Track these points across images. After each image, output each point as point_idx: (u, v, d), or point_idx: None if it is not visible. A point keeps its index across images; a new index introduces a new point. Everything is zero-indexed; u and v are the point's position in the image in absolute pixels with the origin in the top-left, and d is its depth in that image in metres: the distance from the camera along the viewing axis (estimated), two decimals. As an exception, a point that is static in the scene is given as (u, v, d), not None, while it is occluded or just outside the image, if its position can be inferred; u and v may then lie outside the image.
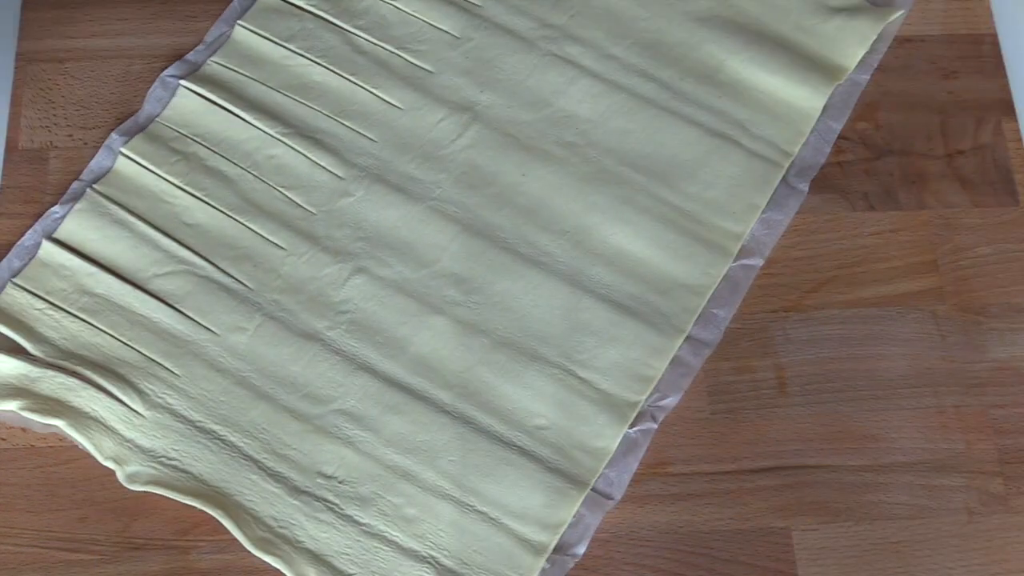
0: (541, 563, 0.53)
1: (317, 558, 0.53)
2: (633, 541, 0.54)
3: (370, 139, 0.61)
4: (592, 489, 0.54)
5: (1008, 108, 0.63)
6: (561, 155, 0.61)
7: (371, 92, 0.62)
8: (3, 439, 0.55)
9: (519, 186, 0.60)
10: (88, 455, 0.55)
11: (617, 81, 0.63)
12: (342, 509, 0.53)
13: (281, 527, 0.53)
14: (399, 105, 0.61)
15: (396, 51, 0.63)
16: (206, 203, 0.59)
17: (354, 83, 0.62)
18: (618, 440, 0.55)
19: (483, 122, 0.61)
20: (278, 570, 0.52)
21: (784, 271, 0.59)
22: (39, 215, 0.59)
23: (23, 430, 0.55)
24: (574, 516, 0.54)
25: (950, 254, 0.60)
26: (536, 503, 0.54)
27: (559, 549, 0.53)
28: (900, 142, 0.62)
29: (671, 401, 0.56)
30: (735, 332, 0.58)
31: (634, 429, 0.55)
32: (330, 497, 0.54)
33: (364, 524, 0.53)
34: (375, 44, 0.63)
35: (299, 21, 0.64)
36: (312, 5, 0.64)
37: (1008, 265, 0.59)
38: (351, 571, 0.52)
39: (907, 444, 0.56)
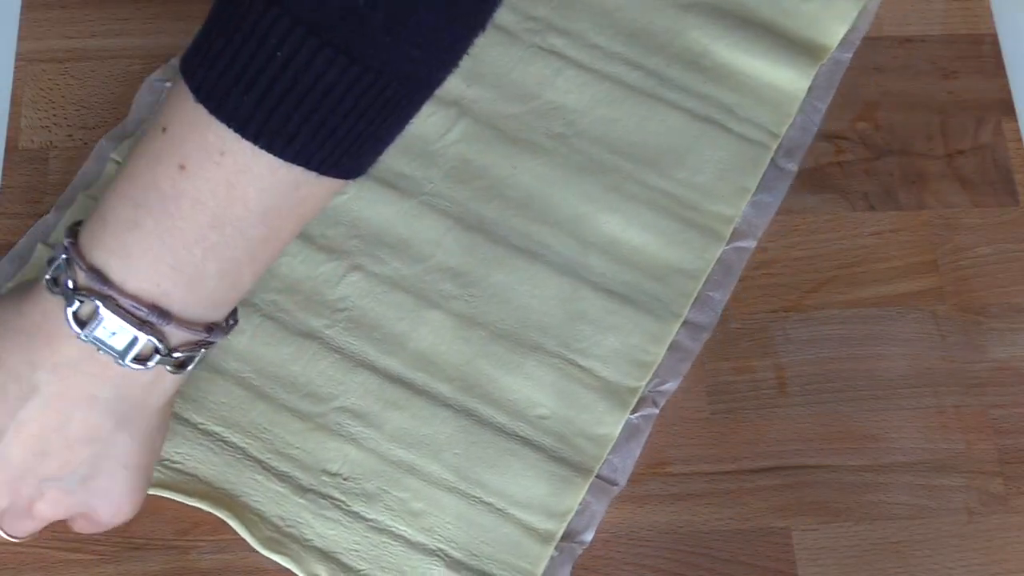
0: (549, 551, 0.53)
1: (326, 555, 0.52)
2: (633, 541, 0.54)
3: (362, 137, 0.61)
4: (596, 476, 0.54)
5: (1008, 108, 0.63)
6: (550, 146, 0.61)
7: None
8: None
9: (510, 179, 0.60)
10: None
11: (603, 70, 0.63)
12: (348, 506, 0.53)
13: (288, 526, 0.53)
14: (388, 102, 0.61)
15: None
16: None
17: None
18: (620, 426, 0.55)
19: (471, 116, 0.61)
20: (280, 570, 0.52)
21: (784, 271, 0.59)
22: (39, 215, 0.59)
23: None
24: (580, 503, 0.54)
25: (950, 254, 0.60)
26: (541, 492, 0.54)
27: (567, 537, 0.53)
28: (900, 142, 0.62)
29: (671, 386, 0.56)
30: (735, 332, 0.58)
31: (635, 415, 0.55)
32: (336, 494, 0.53)
33: (371, 520, 0.53)
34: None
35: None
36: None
37: (1008, 265, 0.60)
38: (361, 567, 0.52)
39: (907, 444, 0.56)
